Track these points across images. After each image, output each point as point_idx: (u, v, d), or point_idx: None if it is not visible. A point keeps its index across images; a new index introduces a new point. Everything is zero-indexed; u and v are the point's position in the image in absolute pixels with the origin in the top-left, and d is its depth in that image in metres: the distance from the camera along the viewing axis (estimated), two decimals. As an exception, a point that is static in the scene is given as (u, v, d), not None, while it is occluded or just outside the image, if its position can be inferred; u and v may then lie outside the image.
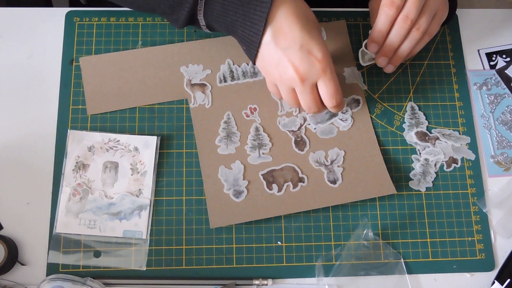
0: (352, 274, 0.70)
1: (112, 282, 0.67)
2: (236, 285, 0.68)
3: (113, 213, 0.69)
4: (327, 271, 0.70)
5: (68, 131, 0.71)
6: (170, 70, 0.75)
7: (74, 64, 0.75)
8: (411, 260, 0.71)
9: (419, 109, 0.78)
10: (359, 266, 0.70)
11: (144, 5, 0.69)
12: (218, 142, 0.73)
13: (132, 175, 0.71)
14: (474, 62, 0.81)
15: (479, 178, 0.75)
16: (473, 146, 0.77)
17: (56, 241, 0.68)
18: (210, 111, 0.74)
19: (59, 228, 0.68)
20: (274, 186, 0.71)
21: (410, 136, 0.76)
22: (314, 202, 0.71)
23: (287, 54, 0.63)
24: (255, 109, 0.75)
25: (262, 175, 0.72)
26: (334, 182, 0.72)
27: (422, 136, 0.76)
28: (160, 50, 0.76)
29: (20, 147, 0.71)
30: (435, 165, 0.75)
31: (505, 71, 0.81)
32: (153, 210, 0.70)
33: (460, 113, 0.78)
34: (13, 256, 0.66)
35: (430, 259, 0.72)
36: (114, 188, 0.70)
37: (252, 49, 0.65)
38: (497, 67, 0.81)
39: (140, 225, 0.69)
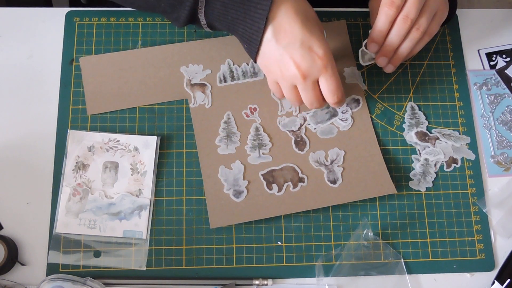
0: (352, 274, 0.70)
1: (112, 282, 0.67)
2: (236, 285, 0.68)
3: (113, 213, 0.69)
4: (327, 271, 0.70)
5: (68, 131, 0.71)
6: (170, 70, 0.75)
7: (74, 64, 0.75)
8: (411, 260, 0.71)
9: (419, 109, 0.78)
10: (359, 266, 0.70)
11: (144, 4, 0.69)
12: (218, 142, 0.73)
13: (132, 175, 0.71)
14: (474, 62, 0.81)
15: (479, 178, 0.75)
16: (473, 146, 0.77)
17: (56, 241, 0.68)
18: (210, 111, 0.74)
19: (59, 228, 0.68)
20: (274, 186, 0.71)
21: (410, 136, 0.76)
22: (314, 202, 0.71)
23: (288, 51, 0.63)
24: (255, 109, 0.75)
25: (262, 175, 0.72)
26: (334, 182, 0.72)
27: (422, 136, 0.76)
28: (160, 50, 0.76)
29: (20, 147, 0.71)
30: (435, 165, 0.75)
31: (505, 71, 0.81)
32: (153, 210, 0.70)
33: (460, 113, 0.78)
34: (13, 256, 0.66)
35: (430, 259, 0.72)
36: (114, 188, 0.70)
37: (253, 47, 0.65)
38: (497, 67, 0.81)
39: (140, 225, 0.69)
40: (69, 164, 0.70)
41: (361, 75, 0.78)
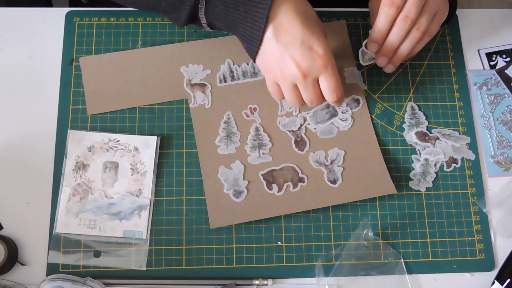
0: (352, 274, 0.70)
1: (112, 282, 0.67)
2: (236, 285, 0.68)
3: (113, 213, 0.69)
4: (327, 271, 0.70)
5: (68, 131, 0.71)
6: (170, 70, 0.75)
7: (74, 64, 0.75)
8: (411, 260, 0.71)
9: (419, 109, 0.78)
10: (359, 266, 0.70)
11: (145, 4, 0.70)
12: (218, 142, 0.73)
13: (132, 175, 0.71)
14: (474, 62, 0.81)
15: (479, 178, 0.75)
16: (473, 146, 0.77)
17: (56, 241, 0.68)
18: (210, 111, 0.74)
19: (59, 228, 0.68)
20: (274, 186, 0.71)
21: (410, 136, 0.76)
22: (314, 202, 0.71)
23: (289, 51, 0.63)
24: (255, 109, 0.75)
25: (262, 175, 0.72)
26: (334, 182, 0.72)
27: (422, 136, 0.76)
28: (160, 50, 0.76)
29: (20, 147, 0.71)
30: (435, 165, 0.75)
31: (505, 71, 0.81)
32: (153, 210, 0.70)
33: (460, 113, 0.78)
34: (13, 256, 0.66)
35: (430, 259, 0.72)
36: (114, 188, 0.70)
37: (253, 47, 0.65)
38: (497, 67, 0.81)
39: (140, 225, 0.69)
40: (69, 164, 0.70)
41: (361, 75, 0.78)
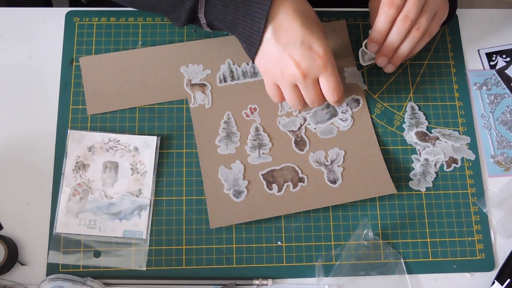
0: (352, 274, 0.70)
1: (112, 282, 0.67)
2: (236, 285, 0.68)
3: (113, 213, 0.69)
4: (327, 271, 0.70)
5: (68, 131, 0.71)
6: (170, 70, 0.75)
7: (74, 64, 0.75)
8: (411, 260, 0.71)
9: (419, 109, 0.78)
10: (359, 266, 0.70)
11: (145, 4, 0.70)
12: (218, 142, 0.73)
13: (132, 175, 0.71)
14: (474, 62, 0.81)
15: (479, 178, 0.75)
16: (473, 146, 0.77)
17: (56, 241, 0.68)
18: (210, 111, 0.74)
19: (59, 228, 0.68)
20: (274, 186, 0.71)
21: (410, 136, 0.76)
22: (314, 202, 0.71)
23: (288, 51, 0.63)
24: (255, 109, 0.75)
25: (262, 175, 0.72)
26: (334, 182, 0.72)
27: (422, 136, 0.76)
28: (160, 50, 0.76)
29: (20, 147, 0.71)
30: (435, 165, 0.75)
31: (505, 71, 0.81)
32: (153, 210, 0.70)
33: (460, 113, 0.78)
34: (13, 256, 0.66)
35: (430, 259, 0.72)
36: (114, 188, 0.70)
37: (252, 47, 0.65)
38: (497, 67, 0.81)
39: (140, 225, 0.69)
40: (69, 164, 0.70)
41: (361, 75, 0.78)
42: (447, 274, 0.71)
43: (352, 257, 0.70)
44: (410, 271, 0.71)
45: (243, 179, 0.71)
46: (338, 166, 0.73)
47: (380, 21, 0.68)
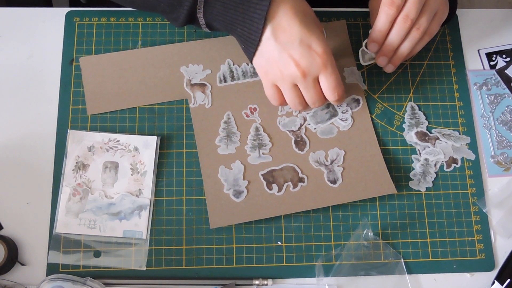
0: (352, 274, 0.70)
1: (112, 282, 0.67)
2: (236, 285, 0.68)
3: (113, 213, 0.69)
4: (327, 271, 0.70)
5: (68, 131, 0.71)
6: (170, 70, 0.75)
7: (74, 64, 0.75)
8: (411, 260, 0.71)
9: (419, 109, 0.78)
10: (359, 266, 0.70)
11: (144, 4, 0.69)
12: (218, 142, 0.73)
13: (132, 175, 0.71)
14: (474, 62, 0.81)
15: (479, 178, 0.75)
16: (473, 146, 0.77)
17: (56, 241, 0.68)
18: (210, 111, 0.74)
19: (59, 228, 0.68)
20: (274, 186, 0.71)
21: (410, 136, 0.76)
22: (314, 202, 0.71)
23: (287, 50, 0.63)
24: (255, 109, 0.75)
25: (262, 175, 0.72)
26: (334, 182, 0.72)
27: (422, 136, 0.76)
28: (160, 50, 0.76)
29: (20, 147, 0.71)
30: (435, 165, 0.75)
31: (505, 71, 0.81)
32: (153, 210, 0.70)
33: (460, 113, 0.78)
34: (13, 256, 0.66)
35: (430, 259, 0.72)
36: (114, 188, 0.70)
37: (251, 48, 0.65)
38: (497, 67, 0.81)
39: (140, 225, 0.69)
40: (69, 164, 0.70)
41: (361, 75, 0.78)
42: (447, 274, 0.71)
43: (352, 257, 0.70)
44: (410, 271, 0.71)
45: (243, 179, 0.71)
46: (338, 166, 0.73)
47: (380, 21, 0.68)
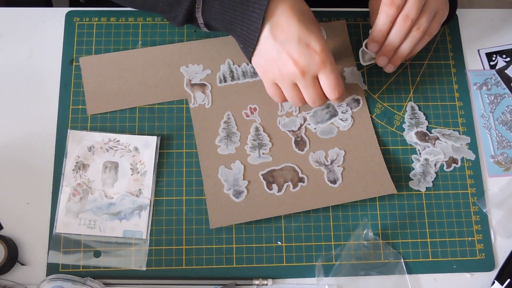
0: (352, 274, 0.70)
1: (112, 282, 0.67)
2: (236, 285, 0.68)
3: (113, 213, 0.69)
4: (327, 271, 0.70)
5: (68, 131, 0.71)
6: (170, 70, 0.75)
7: (74, 64, 0.75)
8: (411, 260, 0.71)
9: (419, 109, 0.78)
10: (359, 266, 0.70)
11: (143, 3, 0.70)
12: (218, 142, 0.73)
13: (132, 175, 0.71)
14: (474, 62, 0.81)
15: (479, 178, 0.75)
16: (473, 146, 0.77)
17: (56, 241, 0.68)
18: (210, 111, 0.74)
19: (59, 228, 0.68)
20: (274, 186, 0.71)
21: (410, 136, 0.76)
22: (314, 202, 0.71)
23: (286, 48, 0.63)
24: (255, 109, 0.75)
25: (262, 175, 0.72)
26: (334, 182, 0.72)
27: (422, 136, 0.76)
28: (160, 50, 0.76)
29: (20, 147, 0.71)
30: (435, 165, 0.75)
31: (505, 71, 0.81)
32: (153, 210, 0.70)
33: (460, 113, 0.78)
34: (13, 256, 0.66)
35: (430, 259, 0.72)
36: (114, 188, 0.70)
37: (249, 47, 0.65)
38: (497, 67, 0.81)
39: (140, 225, 0.69)
40: (69, 164, 0.70)
41: (361, 75, 0.78)
42: (447, 274, 0.71)
43: (352, 257, 0.70)
44: (410, 271, 0.71)
45: (243, 179, 0.71)
46: (338, 166, 0.73)
47: (381, 21, 0.68)
